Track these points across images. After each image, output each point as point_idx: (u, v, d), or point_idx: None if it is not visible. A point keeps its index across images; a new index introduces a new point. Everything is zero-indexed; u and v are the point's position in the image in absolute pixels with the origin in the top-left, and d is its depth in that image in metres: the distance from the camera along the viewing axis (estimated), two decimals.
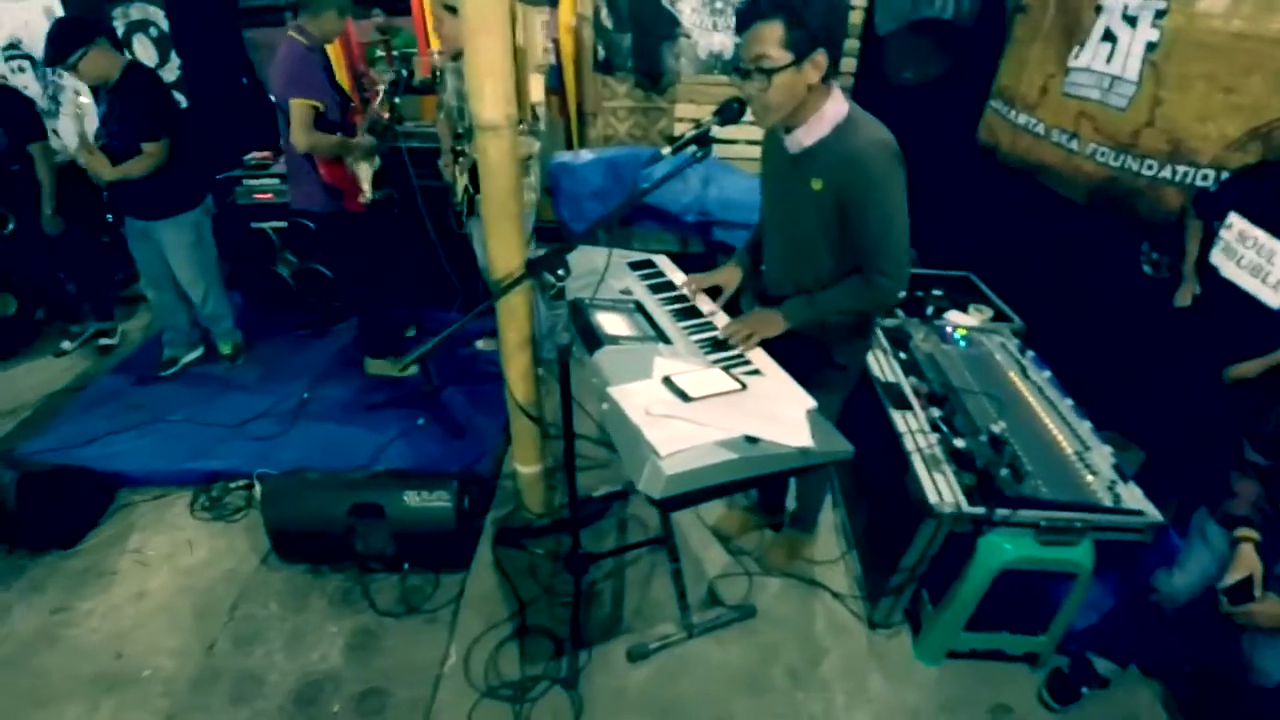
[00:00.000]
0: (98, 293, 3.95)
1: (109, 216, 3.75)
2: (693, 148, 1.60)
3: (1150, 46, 2.55)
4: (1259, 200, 2.06)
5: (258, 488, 2.76)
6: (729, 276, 1.99)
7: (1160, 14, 2.50)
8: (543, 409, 2.53)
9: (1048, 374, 2.45)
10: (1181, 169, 2.48)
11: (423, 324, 3.83)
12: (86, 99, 2.87)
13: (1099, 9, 2.79)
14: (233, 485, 2.86)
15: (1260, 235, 2.04)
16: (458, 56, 2.78)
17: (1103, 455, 2.07)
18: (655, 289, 2.05)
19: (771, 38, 1.47)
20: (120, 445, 2.99)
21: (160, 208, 3.10)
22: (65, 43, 2.73)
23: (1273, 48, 2.15)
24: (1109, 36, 2.75)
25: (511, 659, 2.16)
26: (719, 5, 3.89)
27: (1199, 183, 2.43)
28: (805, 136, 1.63)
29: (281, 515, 2.40)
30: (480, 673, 2.12)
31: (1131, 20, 2.63)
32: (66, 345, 3.89)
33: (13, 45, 4.06)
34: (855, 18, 3.79)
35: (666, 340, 1.76)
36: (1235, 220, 2.13)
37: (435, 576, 2.45)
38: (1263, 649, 1.72)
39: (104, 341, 3.91)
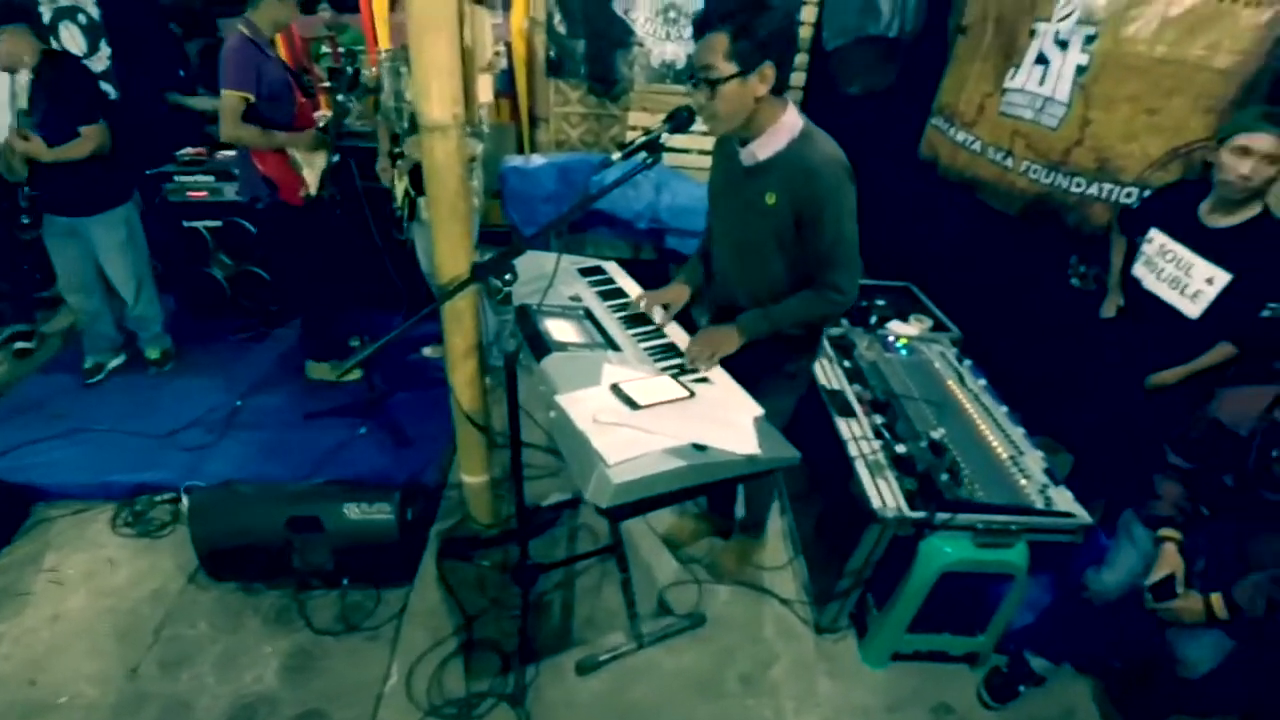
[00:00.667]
0: (17, 293, 3.71)
1: (24, 218, 3.52)
2: (642, 154, 1.59)
3: (1080, 69, 2.67)
4: (1177, 216, 2.17)
5: (185, 501, 2.62)
6: (677, 294, 1.99)
7: (1090, 39, 2.63)
8: (490, 417, 2.48)
9: (984, 381, 2.53)
10: (1108, 186, 2.60)
11: (369, 331, 3.71)
12: (24, 77, 2.71)
13: (1033, 33, 2.92)
14: (158, 499, 2.71)
15: (1178, 249, 2.15)
16: (395, 56, 2.74)
17: (1035, 460, 2.15)
18: (605, 295, 2.03)
19: (719, 48, 1.49)
20: (38, 456, 2.81)
21: (91, 203, 2.98)
22: None
23: (1193, 72, 2.28)
24: (1042, 59, 2.87)
25: (456, 676, 2.10)
26: (672, 15, 3.92)
27: (1123, 199, 2.55)
28: (760, 150, 1.65)
29: (210, 531, 2.28)
30: (423, 691, 2.05)
31: (1063, 44, 2.76)
32: None
33: None
34: (805, 32, 3.87)
35: (615, 347, 1.75)
36: (1155, 235, 2.24)
37: (377, 592, 2.37)
38: (1187, 642, 1.81)
39: (20, 345, 3.66)
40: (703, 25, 1.52)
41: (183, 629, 2.26)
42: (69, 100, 2.79)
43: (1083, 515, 1.96)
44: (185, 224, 3.62)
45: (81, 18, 4.07)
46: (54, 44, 3.90)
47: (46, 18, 3.94)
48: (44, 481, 2.72)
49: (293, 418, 3.10)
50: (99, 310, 3.27)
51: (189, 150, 3.63)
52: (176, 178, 3.56)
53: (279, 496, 2.32)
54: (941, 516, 1.88)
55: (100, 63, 4.17)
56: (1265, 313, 2.02)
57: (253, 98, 2.67)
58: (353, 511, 2.25)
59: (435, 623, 2.25)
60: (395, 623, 2.27)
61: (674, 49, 3.99)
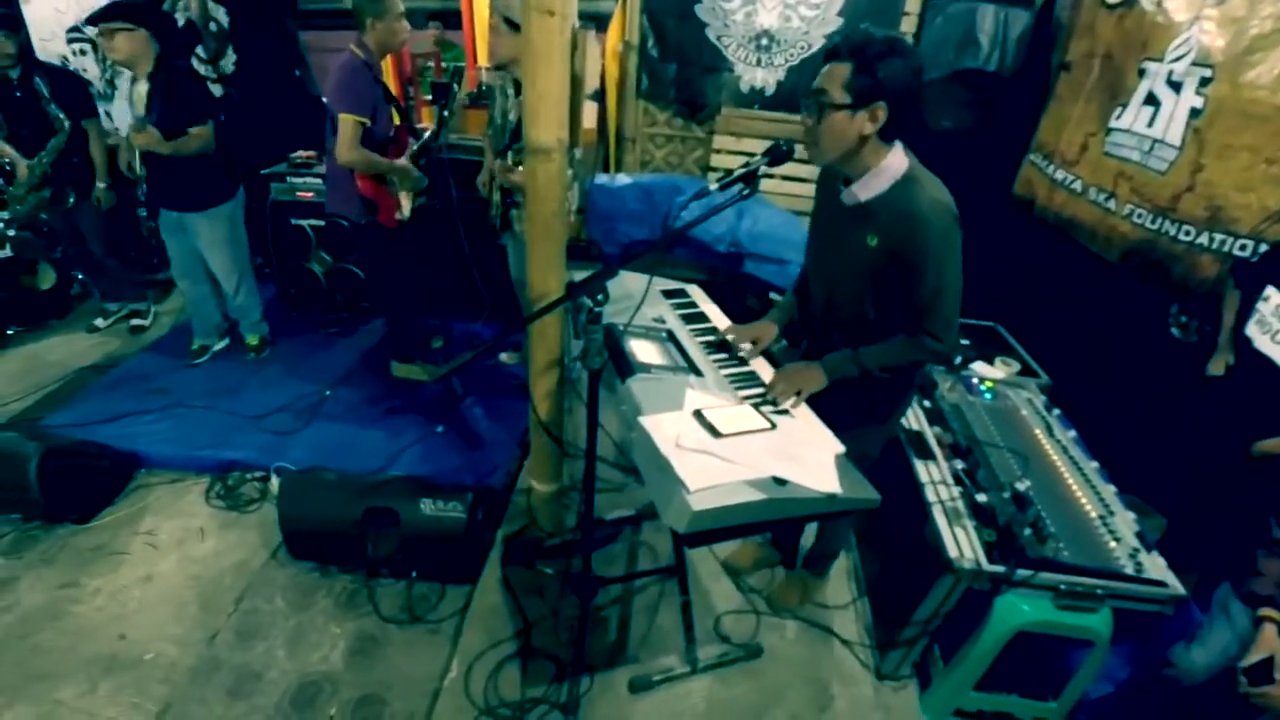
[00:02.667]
0: (134, 276, 4.03)
1: (143, 210, 3.84)
2: (739, 185, 1.61)
3: (1194, 112, 2.55)
4: None
5: (273, 480, 2.78)
6: (765, 331, 1.98)
7: (1205, 81, 2.51)
8: (563, 428, 2.53)
9: (1073, 433, 2.42)
10: (1219, 237, 2.47)
11: (449, 334, 3.86)
12: (143, 85, 2.96)
13: (1142, 72, 2.81)
14: (248, 476, 2.88)
15: None
16: (502, 68, 2.82)
17: (1126, 521, 2.04)
18: (688, 319, 2.06)
19: (838, 77, 1.51)
20: (142, 426, 3.04)
21: (196, 200, 3.16)
22: (116, 10, 2.83)
23: None
24: (1152, 99, 2.76)
25: (513, 679, 2.14)
26: (764, 42, 3.95)
27: (1237, 252, 2.41)
28: (862, 191, 1.64)
29: (297, 512, 2.41)
30: (480, 690, 2.09)
31: (1176, 86, 2.64)
32: (99, 323, 3.97)
33: (76, 29, 4.19)
34: None
35: (698, 372, 1.76)
36: (1273, 294, 2.11)
37: (441, 587, 2.45)
38: None
39: (136, 322, 3.98)
40: (833, 53, 1.54)
41: (260, 602, 2.39)
42: (180, 103, 2.97)
43: (1175, 585, 1.85)
44: (292, 221, 3.86)
45: (213, 25, 4.42)
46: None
47: (181, 22, 4.30)
48: (146, 450, 2.93)
49: (373, 411, 3.25)
50: (206, 296, 3.51)
51: (301, 153, 3.87)
52: (288, 178, 3.80)
53: (360, 486, 2.43)
54: (1022, 573, 1.81)
55: (228, 66, 4.52)
56: None
57: (370, 122, 2.74)
58: (427, 507, 2.33)
59: (495, 624, 2.30)
60: (457, 619, 2.33)
61: (764, 75, 4.02)
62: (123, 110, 3.13)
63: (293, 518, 2.41)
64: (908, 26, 3.80)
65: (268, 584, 2.46)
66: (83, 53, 4.26)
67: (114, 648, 2.22)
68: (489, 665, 2.17)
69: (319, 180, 3.69)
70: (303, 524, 2.42)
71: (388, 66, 3.81)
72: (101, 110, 3.72)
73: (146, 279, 4.21)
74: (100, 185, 3.55)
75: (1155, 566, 1.89)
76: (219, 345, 3.65)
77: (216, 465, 2.91)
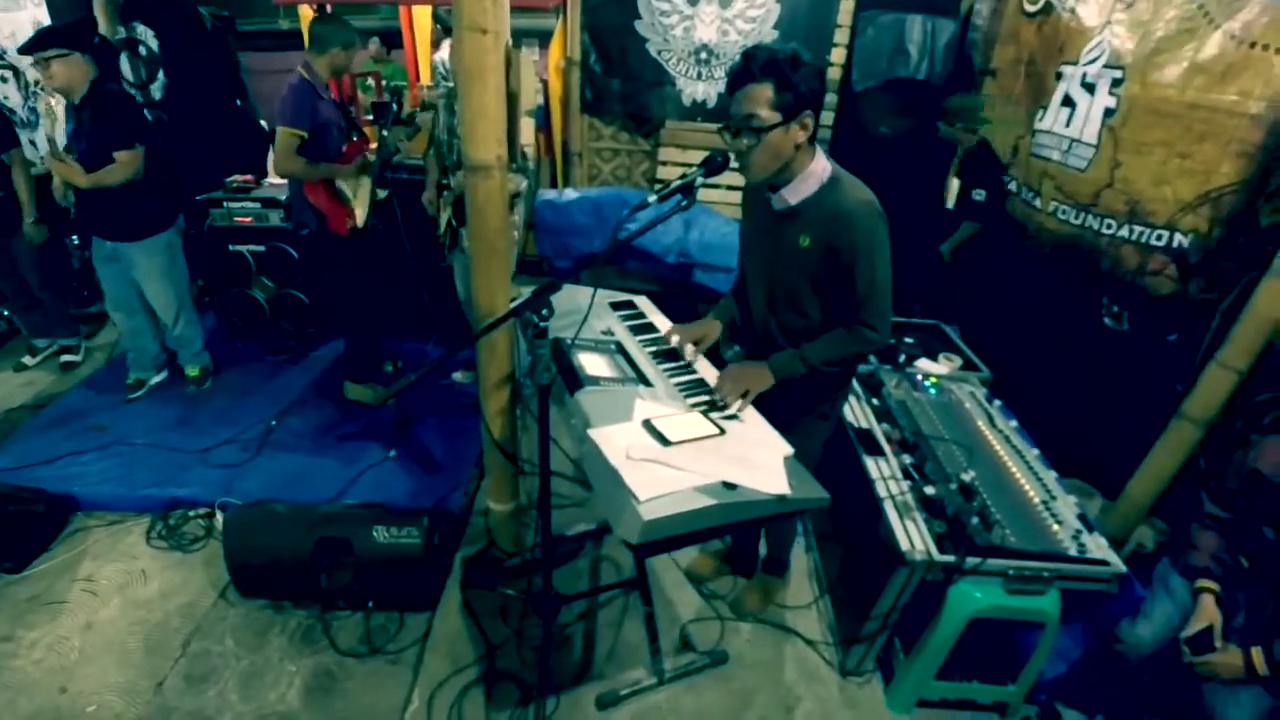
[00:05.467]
0: (63, 309, 3.85)
1: (74, 238, 3.68)
2: (678, 196, 1.63)
3: (1108, 112, 2.69)
4: None
5: (219, 517, 2.68)
6: (708, 329, 2.02)
7: (1117, 82, 2.65)
8: (518, 446, 2.51)
9: (1014, 423, 2.51)
10: (1139, 229, 2.59)
11: (401, 356, 3.80)
12: (58, 102, 2.87)
13: (1059, 75, 2.95)
14: (192, 514, 2.77)
15: None
16: (450, 94, 2.85)
17: (1068, 504, 2.12)
18: (636, 330, 2.07)
19: (762, 98, 1.55)
20: (79, 467, 2.90)
21: (132, 229, 3.06)
22: (50, 39, 2.77)
23: (1225, 118, 2.28)
24: (1069, 101, 2.90)
25: (477, 705, 2.10)
26: (704, 56, 4.03)
27: (1154, 242, 2.54)
28: (791, 195, 1.70)
29: (244, 547, 2.33)
30: (444, 718, 2.05)
31: (1090, 87, 2.78)
32: (28, 360, 3.78)
33: None
34: (834, 74, 3.95)
35: (647, 382, 1.77)
36: None
37: (400, 616, 2.39)
38: (1224, 699, 1.75)
39: (66, 358, 3.81)
40: (743, 77, 1.57)
41: (210, 644, 2.30)
42: (111, 124, 2.87)
43: (1117, 563, 1.92)
44: (231, 247, 3.75)
45: (142, 49, 4.29)
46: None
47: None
48: (83, 491, 2.80)
49: (324, 439, 3.17)
50: (142, 329, 3.38)
51: (238, 177, 3.78)
52: (225, 204, 3.70)
53: (310, 517, 2.36)
54: (971, 561, 1.86)
55: (157, 92, 4.39)
56: None
57: (304, 135, 2.82)
58: (381, 535, 2.28)
59: (457, 649, 2.26)
60: (418, 647, 2.28)
61: (705, 88, 4.10)
62: (44, 139, 3.02)
63: (239, 553, 2.33)
64: (841, 38, 3.92)
65: (217, 624, 2.36)
66: (3, 80, 4.09)
67: (56, 701, 2.11)
68: (452, 693, 2.13)
69: (257, 205, 3.60)
70: (251, 559, 2.33)
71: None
72: (25, 139, 3.57)
73: (78, 313, 4.03)
74: (28, 220, 3.38)
75: (1098, 546, 1.97)
76: (156, 379, 3.51)
77: (162, 504, 2.80)
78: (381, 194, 3.15)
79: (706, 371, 1.91)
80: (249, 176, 3.77)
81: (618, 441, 1.46)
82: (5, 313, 3.90)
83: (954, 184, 3.46)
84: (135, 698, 2.12)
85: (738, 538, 2.56)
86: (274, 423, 3.24)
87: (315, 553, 2.28)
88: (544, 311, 1.56)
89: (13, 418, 3.33)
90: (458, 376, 3.61)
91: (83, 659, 2.24)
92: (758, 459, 1.52)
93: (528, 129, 2.24)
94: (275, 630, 2.35)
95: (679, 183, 1.62)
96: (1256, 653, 1.67)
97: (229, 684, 2.17)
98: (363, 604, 2.38)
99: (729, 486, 1.41)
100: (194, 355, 3.50)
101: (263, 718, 2.08)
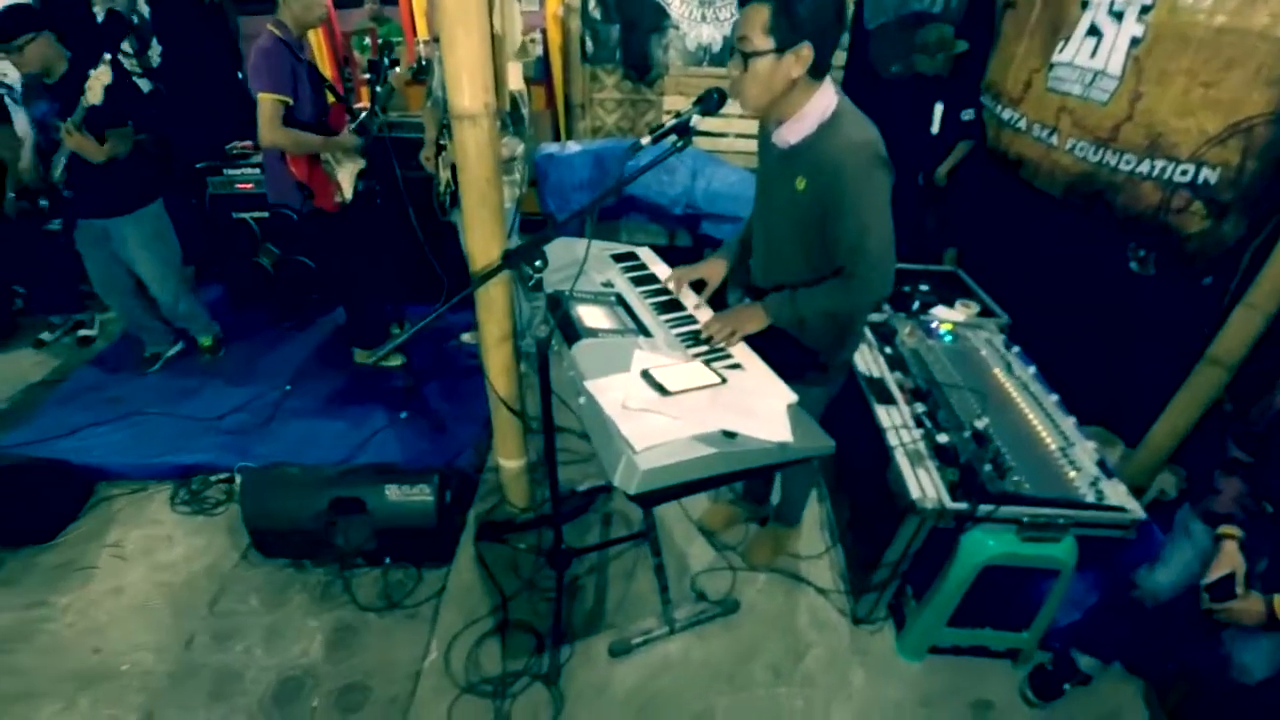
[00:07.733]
0: (65, 288, 3.87)
1: (56, 223, 3.62)
2: (673, 138, 1.57)
3: (1134, 41, 2.54)
4: None
5: (238, 481, 2.73)
6: (714, 270, 1.96)
7: (1145, 9, 2.49)
8: (525, 403, 2.50)
9: (1033, 369, 2.44)
10: (1160, 163, 2.47)
11: (409, 319, 3.79)
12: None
13: (1085, 4, 2.78)
14: (213, 479, 2.82)
15: None
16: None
17: (1086, 451, 2.07)
18: (637, 281, 2.02)
19: (758, 21, 1.45)
20: (99, 438, 2.95)
21: (125, 203, 3.00)
22: (11, 25, 2.64)
23: (1256, 42, 2.14)
24: (1094, 31, 2.74)
25: (493, 654, 2.14)
26: None
27: (1177, 177, 2.42)
28: (789, 134, 1.60)
29: (260, 510, 2.37)
30: (461, 668, 2.10)
31: (1118, 15, 2.62)
32: (45, 336, 3.84)
33: None
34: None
35: (647, 333, 1.74)
36: None
37: (417, 571, 2.43)
38: (1244, 646, 1.72)
39: (83, 333, 3.86)
40: None
41: (234, 603, 2.36)
42: (112, 103, 2.76)
43: (1136, 509, 1.88)
44: (234, 215, 3.74)
45: (134, 18, 4.22)
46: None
47: (100, 17, 4.09)
48: (105, 462, 2.86)
49: (335, 404, 3.19)
50: (139, 311, 3.36)
51: (238, 144, 3.73)
52: (225, 170, 3.67)
53: (323, 478, 2.39)
54: (984, 509, 1.83)
55: (154, 59, 4.32)
56: None
57: (291, 101, 2.64)
58: (393, 493, 2.30)
59: (472, 602, 2.30)
60: (434, 601, 2.33)
61: (710, 32, 3.94)
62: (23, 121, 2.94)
63: (257, 515, 2.37)
64: None
65: (241, 584, 2.43)
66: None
67: (89, 662, 2.19)
68: (468, 643, 2.17)
69: (257, 170, 3.56)
70: (268, 521, 2.38)
71: (321, 47, 3.67)
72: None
73: (78, 289, 4.04)
74: (9, 195, 3.35)
75: (1115, 493, 1.92)
76: (172, 351, 3.53)
77: (178, 471, 2.85)
78: (363, 164, 3.00)
79: (706, 318, 1.86)
80: (248, 143, 3.72)
81: (615, 392, 1.43)
82: (21, 290, 3.94)
83: (938, 109, 3.38)
84: (165, 655, 2.20)
85: (749, 486, 2.56)
86: (289, 388, 3.26)
87: (330, 512, 2.31)
88: (538, 263, 1.53)
89: (32, 394, 3.39)
90: (465, 337, 3.60)
91: (113, 621, 2.31)
92: (759, 407, 1.48)
93: (515, 74, 2.16)
94: (296, 588, 2.40)
95: (673, 123, 1.55)
96: (1279, 600, 1.63)
97: (254, 640, 2.24)
98: (380, 560, 2.42)
99: (729, 435, 1.38)
100: (204, 326, 3.51)
101: (287, 671, 2.15)
